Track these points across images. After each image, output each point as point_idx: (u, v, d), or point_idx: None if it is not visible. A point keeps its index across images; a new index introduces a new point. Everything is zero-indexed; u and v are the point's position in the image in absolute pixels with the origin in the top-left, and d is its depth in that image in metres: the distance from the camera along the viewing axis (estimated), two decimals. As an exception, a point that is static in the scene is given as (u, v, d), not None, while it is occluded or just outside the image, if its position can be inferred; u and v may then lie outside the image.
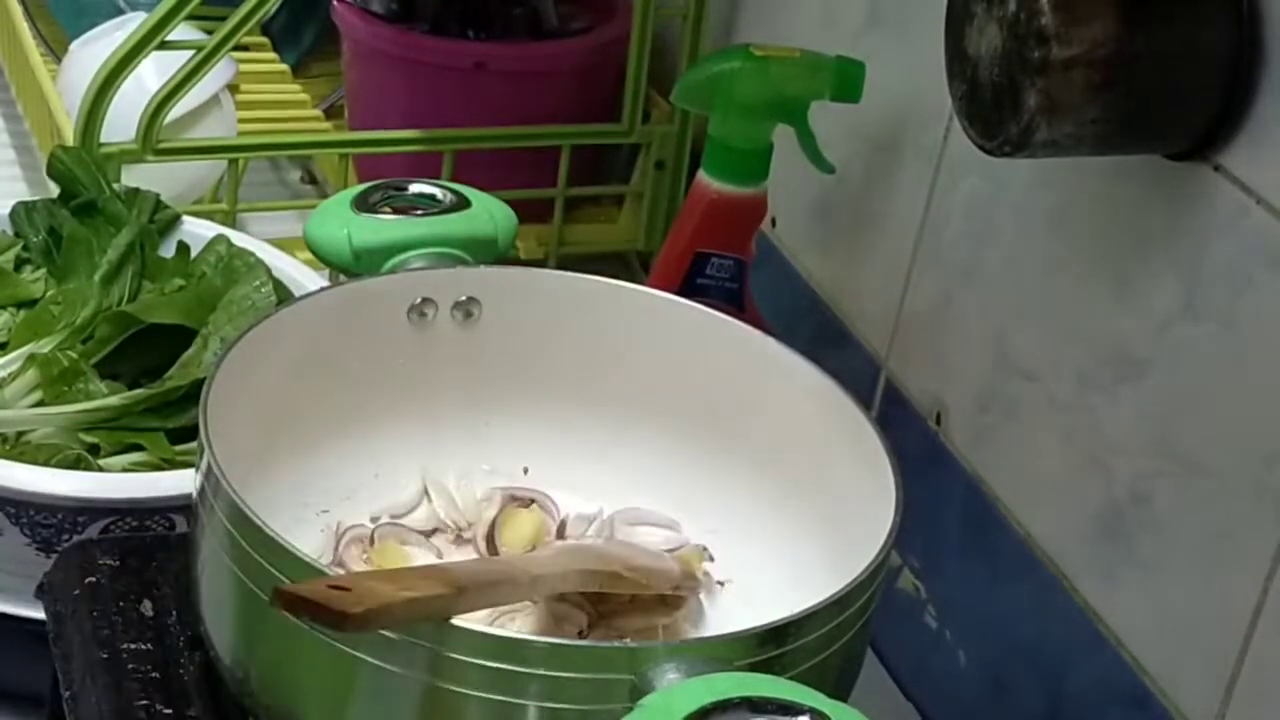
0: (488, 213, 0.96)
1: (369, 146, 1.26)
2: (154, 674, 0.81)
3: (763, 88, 1.00)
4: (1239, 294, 0.78)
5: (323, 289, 0.98)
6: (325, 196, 1.20)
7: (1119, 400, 0.86)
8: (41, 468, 0.92)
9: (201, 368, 0.98)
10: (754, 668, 0.70)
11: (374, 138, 1.26)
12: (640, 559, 0.85)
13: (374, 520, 0.90)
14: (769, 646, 0.71)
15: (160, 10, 1.12)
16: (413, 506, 0.92)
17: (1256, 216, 0.77)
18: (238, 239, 1.08)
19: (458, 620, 0.70)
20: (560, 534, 0.92)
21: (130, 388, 0.99)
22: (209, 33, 1.17)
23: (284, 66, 1.43)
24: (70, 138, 1.15)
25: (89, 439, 0.96)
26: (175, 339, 1.00)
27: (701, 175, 1.04)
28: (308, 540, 0.87)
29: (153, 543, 0.88)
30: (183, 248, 1.08)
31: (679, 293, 0.98)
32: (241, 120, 1.30)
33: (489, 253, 0.95)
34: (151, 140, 1.15)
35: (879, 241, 1.07)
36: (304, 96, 1.40)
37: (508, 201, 0.98)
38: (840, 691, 0.77)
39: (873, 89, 1.00)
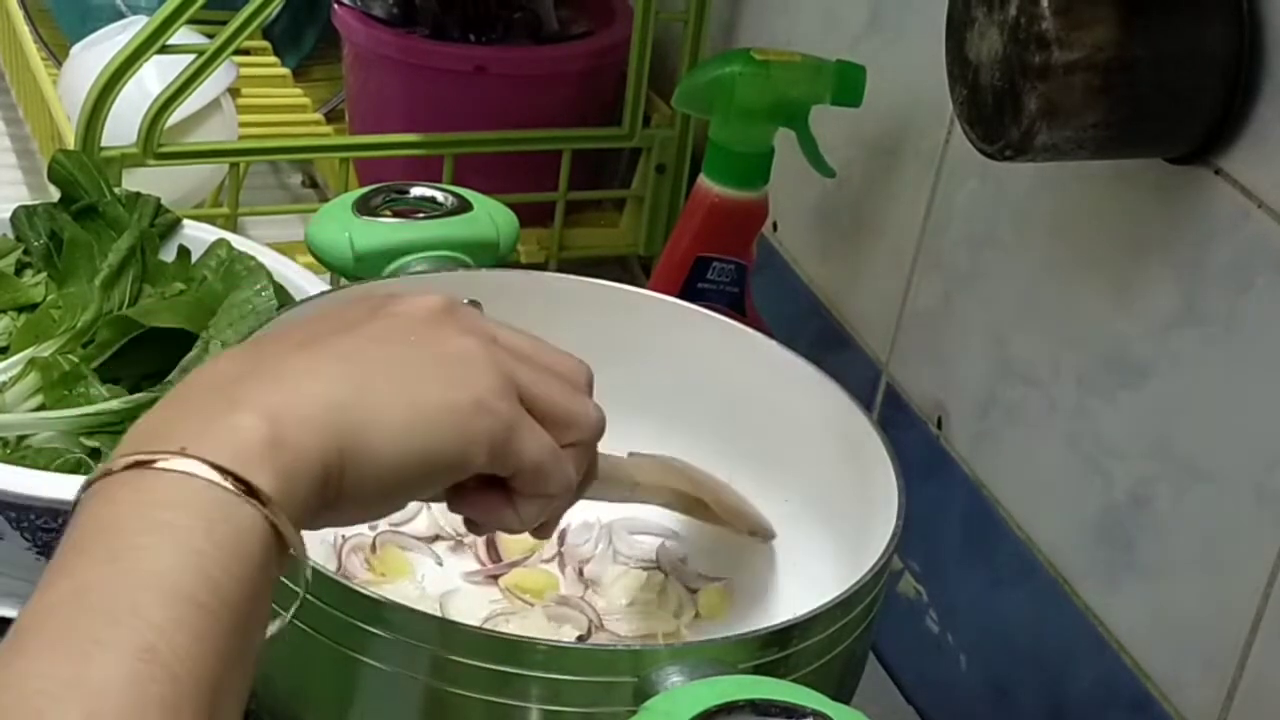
0: (489, 216, 0.96)
1: (370, 150, 1.26)
2: (156, 677, 0.81)
3: (763, 92, 1.00)
4: (1239, 297, 0.78)
5: (324, 293, 0.98)
6: (326, 200, 1.20)
7: (1119, 404, 0.86)
8: (43, 472, 0.92)
9: (203, 371, 0.98)
10: (757, 670, 0.70)
11: (375, 141, 1.26)
12: (727, 495, 0.86)
13: (372, 528, 0.91)
14: (772, 649, 0.71)
15: (161, 14, 1.12)
16: (412, 515, 0.92)
17: (1257, 220, 0.77)
18: (239, 243, 1.08)
19: (459, 621, 0.70)
20: (561, 540, 0.92)
21: (131, 392, 0.99)
22: (210, 36, 1.17)
23: (285, 70, 1.43)
24: (71, 141, 1.15)
25: (90, 443, 0.95)
26: (176, 343, 1.00)
27: (702, 179, 1.04)
28: (309, 541, 0.87)
29: (154, 546, 0.88)
30: (184, 252, 1.08)
31: (680, 297, 0.99)
32: (242, 124, 1.30)
33: (490, 256, 0.95)
34: (152, 144, 1.15)
35: (880, 245, 1.07)
36: (305, 100, 1.40)
37: (509, 205, 0.98)
38: (842, 694, 0.77)
39: (873, 93, 1.00)
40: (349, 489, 0.58)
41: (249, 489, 0.53)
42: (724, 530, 0.89)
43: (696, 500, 0.85)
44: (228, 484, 0.53)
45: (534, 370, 0.65)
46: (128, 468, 0.53)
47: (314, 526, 0.58)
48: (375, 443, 0.58)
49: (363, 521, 0.62)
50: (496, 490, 0.65)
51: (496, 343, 0.64)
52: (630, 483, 0.79)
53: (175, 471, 0.53)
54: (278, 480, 0.54)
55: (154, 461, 0.53)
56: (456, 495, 0.65)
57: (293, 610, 0.58)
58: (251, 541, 0.53)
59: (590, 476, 0.69)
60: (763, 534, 0.88)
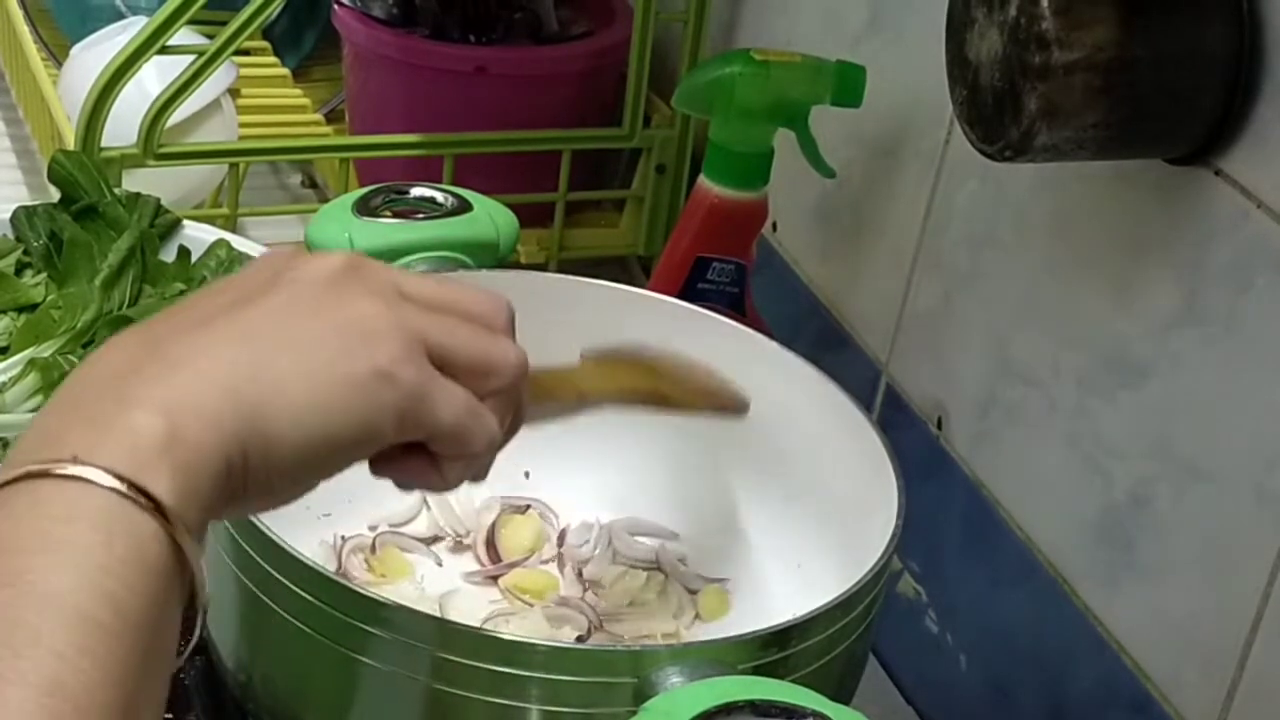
0: (489, 216, 0.96)
1: (370, 150, 1.26)
2: (155, 678, 0.81)
3: (763, 92, 1.00)
4: (1239, 298, 0.78)
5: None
6: (326, 201, 1.20)
7: (1119, 404, 0.86)
8: (43, 472, 0.92)
9: (203, 372, 0.98)
10: (757, 671, 0.70)
11: (375, 142, 1.26)
12: (686, 375, 0.80)
13: (372, 529, 0.91)
14: (772, 650, 0.71)
15: (161, 15, 1.12)
16: (412, 516, 0.92)
17: (1257, 220, 0.77)
18: (239, 243, 1.08)
19: (458, 622, 0.70)
20: (560, 541, 0.92)
21: (131, 392, 0.99)
22: (210, 37, 1.17)
23: (285, 71, 1.43)
24: (71, 142, 1.15)
25: (90, 443, 0.95)
26: (176, 343, 1.00)
27: (702, 180, 1.04)
28: (309, 542, 0.87)
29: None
30: (184, 252, 1.09)
31: (680, 297, 0.99)
32: (242, 124, 1.30)
33: (490, 256, 0.95)
34: (152, 144, 1.15)
35: (880, 245, 1.07)
36: (305, 101, 1.40)
37: (509, 205, 0.98)
38: (842, 695, 0.77)
39: (873, 93, 1.00)
40: (254, 477, 0.55)
41: (148, 497, 0.50)
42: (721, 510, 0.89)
43: (652, 391, 0.78)
44: (125, 490, 0.50)
45: (444, 321, 0.61)
46: (23, 478, 0.50)
47: (225, 518, 0.55)
48: (277, 425, 0.55)
49: (274, 508, 0.59)
50: (418, 454, 0.62)
51: (404, 297, 0.60)
52: (575, 394, 0.74)
53: (72, 479, 0.50)
54: (177, 481, 0.51)
55: (49, 471, 0.50)
56: (378, 462, 0.62)
57: (194, 638, 0.55)
58: (153, 550, 0.50)
59: (519, 419, 0.65)
60: (732, 409, 0.82)
